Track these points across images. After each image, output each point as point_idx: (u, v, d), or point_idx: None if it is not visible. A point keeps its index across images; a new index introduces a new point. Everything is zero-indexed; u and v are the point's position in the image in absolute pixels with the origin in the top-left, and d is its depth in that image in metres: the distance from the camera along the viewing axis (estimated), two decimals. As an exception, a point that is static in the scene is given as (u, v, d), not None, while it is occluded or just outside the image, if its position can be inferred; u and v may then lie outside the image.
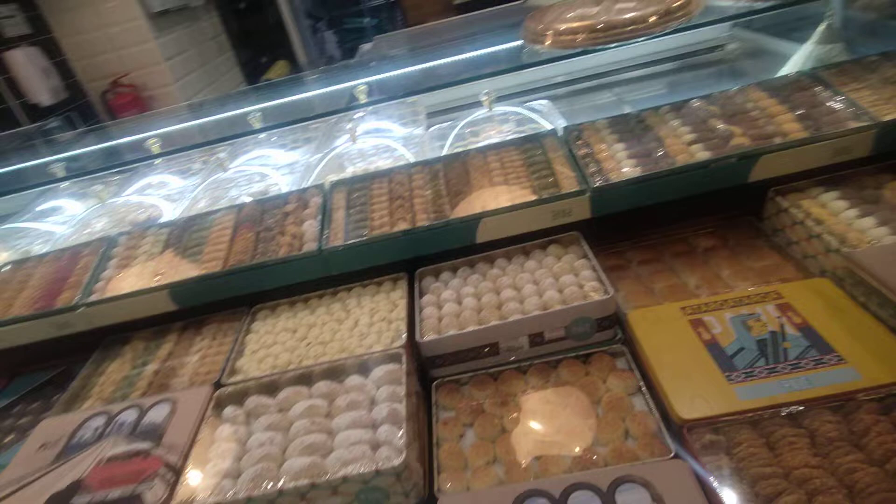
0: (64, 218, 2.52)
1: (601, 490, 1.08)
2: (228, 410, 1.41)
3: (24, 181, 2.55)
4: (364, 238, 1.64)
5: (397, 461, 1.13)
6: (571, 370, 1.40)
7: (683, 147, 1.62)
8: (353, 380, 1.41)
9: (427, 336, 1.45)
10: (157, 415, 1.44)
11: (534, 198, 1.59)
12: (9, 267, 2.04)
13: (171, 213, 2.23)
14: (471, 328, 1.44)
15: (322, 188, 1.91)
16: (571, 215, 1.61)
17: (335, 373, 1.44)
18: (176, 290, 1.72)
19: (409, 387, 1.33)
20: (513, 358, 1.47)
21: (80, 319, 1.78)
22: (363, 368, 1.44)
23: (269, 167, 2.38)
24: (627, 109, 2.04)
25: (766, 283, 1.48)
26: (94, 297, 1.77)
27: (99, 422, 1.48)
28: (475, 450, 1.28)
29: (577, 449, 1.23)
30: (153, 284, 1.73)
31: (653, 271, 1.65)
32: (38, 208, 2.66)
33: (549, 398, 1.36)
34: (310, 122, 2.57)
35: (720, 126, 1.65)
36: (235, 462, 1.28)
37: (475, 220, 1.60)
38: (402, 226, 1.65)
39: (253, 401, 1.42)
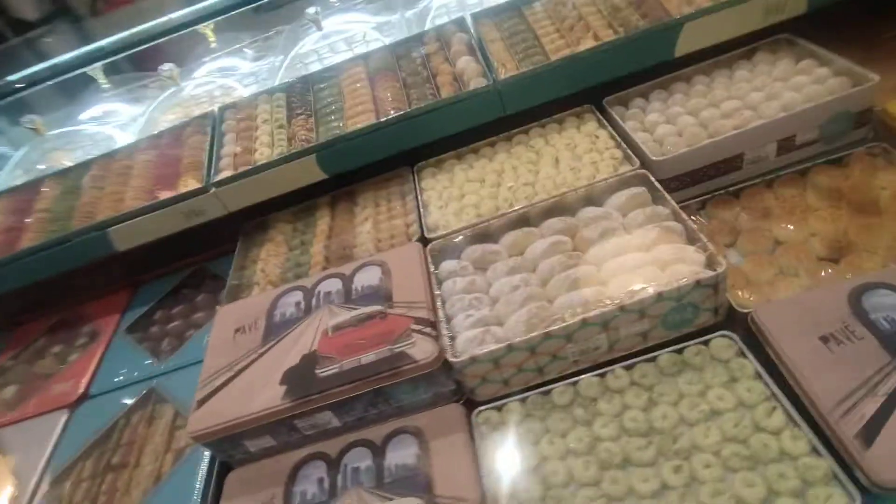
0: (119, 120, 2.22)
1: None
2: (450, 264, 1.27)
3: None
4: (546, 64, 1.44)
5: (720, 269, 1.02)
6: (828, 175, 1.28)
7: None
8: (590, 211, 1.27)
9: (660, 155, 1.30)
10: (367, 279, 1.29)
11: (745, -10, 1.39)
12: (97, 164, 1.79)
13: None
14: (709, 140, 1.29)
15: (461, 22, 1.67)
16: (784, 11, 1.42)
17: (562, 209, 1.30)
18: (326, 153, 1.51)
19: (669, 205, 1.20)
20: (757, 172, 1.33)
21: (212, 204, 1.57)
22: (594, 200, 1.30)
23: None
24: None
25: None
26: (224, 174, 1.56)
27: (296, 297, 1.33)
28: (754, 263, 1.18)
29: (881, 245, 1.13)
30: (298, 149, 1.51)
31: (876, 71, 1.49)
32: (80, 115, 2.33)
33: (810, 201, 1.25)
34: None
35: None
36: (491, 310, 1.16)
37: (677, 25, 1.40)
38: (588, 44, 1.44)
39: (475, 250, 1.28)
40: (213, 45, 2.28)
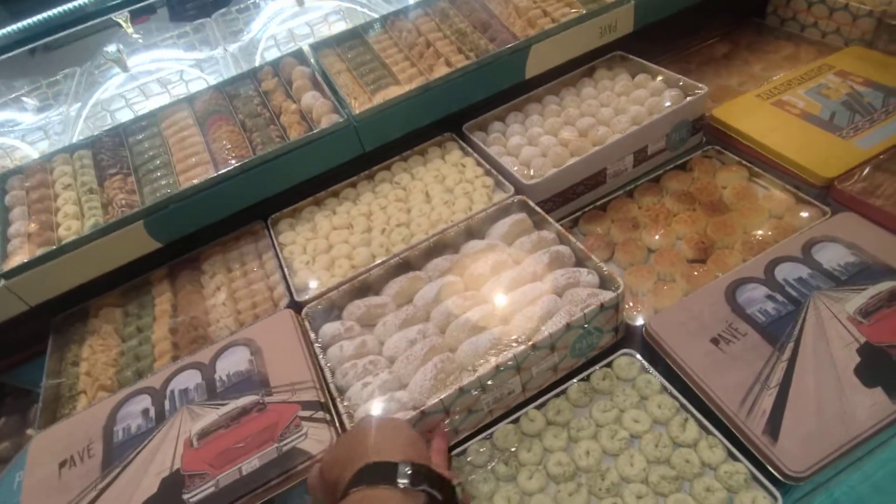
0: None
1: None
2: (332, 327, 1.15)
3: None
4: (404, 94, 1.39)
5: (619, 288, 1.04)
6: (678, 180, 1.40)
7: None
8: (474, 245, 1.23)
9: (532, 179, 1.32)
10: (233, 364, 1.12)
11: (581, 12, 1.48)
12: None
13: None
14: (575, 159, 1.34)
15: (300, 54, 1.56)
16: (617, 30, 1.55)
17: (444, 246, 1.25)
18: (156, 218, 1.30)
19: (552, 228, 1.21)
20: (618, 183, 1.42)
21: (5, 301, 1.26)
22: (475, 233, 1.27)
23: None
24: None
25: (799, 67, 1.61)
26: (16, 261, 1.26)
27: (142, 403, 1.10)
28: (634, 275, 1.24)
29: (737, 239, 1.25)
30: (120, 216, 1.28)
31: (695, 80, 1.69)
32: None
33: (669, 206, 1.35)
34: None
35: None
36: (391, 372, 1.06)
37: (525, 48, 1.44)
38: (441, 71, 1.43)
39: (358, 306, 1.17)
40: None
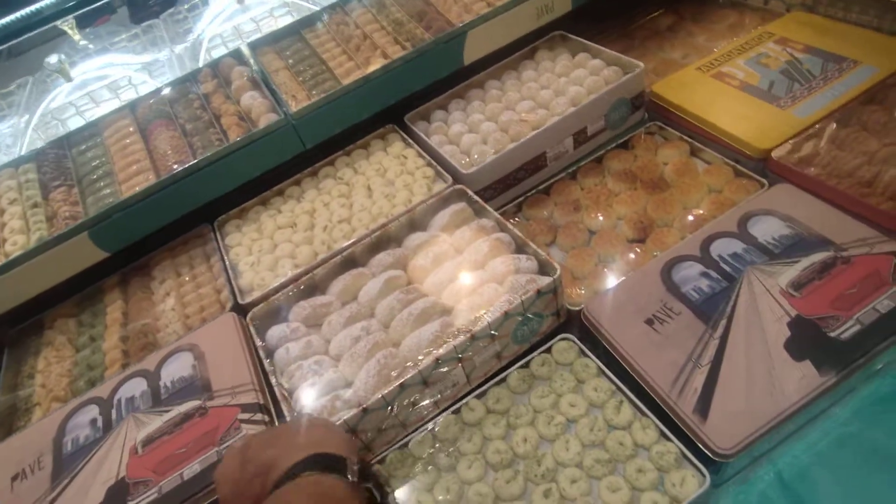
0: None
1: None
2: (279, 330, 1.12)
3: None
4: (340, 89, 1.34)
5: (556, 273, 1.00)
6: (619, 159, 1.36)
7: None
8: (416, 238, 1.20)
9: (471, 168, 1.27)
10: (177, 370, 1.09)
11: (516, -6, 1.42)
12: None
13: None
14: (513, 145, 1.29)
15: (238, 54, 1.51)
16: (554, 11, 1.49)
17: (387, 241, 1.22)
18: (101, 228, 1.26)
19: (491, 216, 1.17)
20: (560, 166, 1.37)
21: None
22: (417, 225, 1.23)
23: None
24: None
25: (743, 35, 1.56)
26: (-33, 280, 1.23)
27: (91, 413, 1.08)
28: (576, 258, 1.20)
29: (676, 216, 1.22)
30: (64, 229, 1.24)
31: (635, 57, 1.62)
32: None
33: (611, 186, 1.31)
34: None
35: None
36: (334, 372, 1.03)
37: (461, 34, 1.39)
38: (378, 63, 1.38)
39: (303, 307, 1.14)
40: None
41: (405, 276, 1.15)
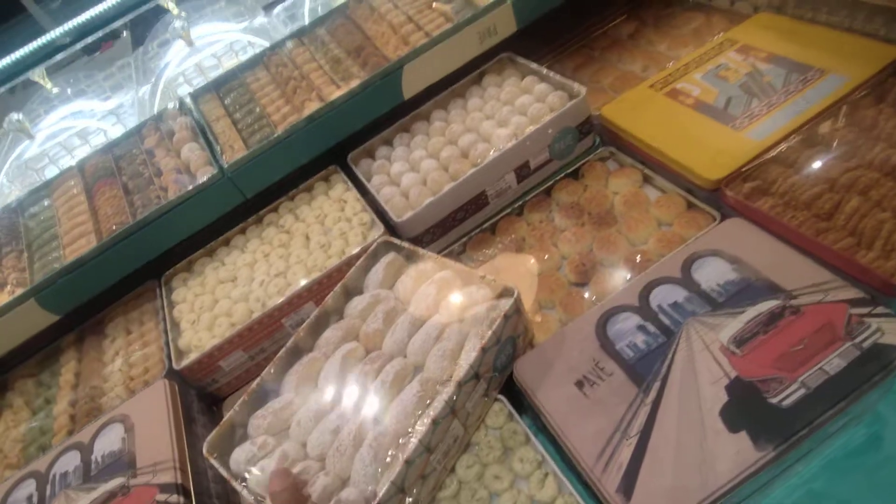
0: None
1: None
2: (243, 451, 0.96)
3: None
4: (274, 138, 1.26)
5: (515, 292, 0.93)
6: (568, 190, 1.25)
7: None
8: (357, 303, 1.09)
9: (404, 215, 1.19)
10: (108, 443, 1.06)
11: (453, 23, 1.31)
12: None
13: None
14: (449, 186, 1.20)
15: (183, 105, 1.45)
16: (498, 33, 1.37)
17: (325, 318, 1.11)
18: (48, 294, 1.24)
19: (427, 258, 1.08)
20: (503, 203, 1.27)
21: (-81, 388, 1.24)
22: (353, 290, 1.13)
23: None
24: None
25: (708, 40, 1.40)
26: (-77, 352, 1.23)
27: (28, 489, 1.06)
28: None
29: (621, 257, 1.10)
30: (9, 299, 1.22)
31: (593, 72, 1.50)
32: None
33: (557, 222, 1.20)
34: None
35: None
36: (325, 476, 0.90)
37: (396, 70, 1.29)
38: (313, 106, 1.30)
39: (262, 416, 0.99)
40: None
41: (360, 347, 1.05)
